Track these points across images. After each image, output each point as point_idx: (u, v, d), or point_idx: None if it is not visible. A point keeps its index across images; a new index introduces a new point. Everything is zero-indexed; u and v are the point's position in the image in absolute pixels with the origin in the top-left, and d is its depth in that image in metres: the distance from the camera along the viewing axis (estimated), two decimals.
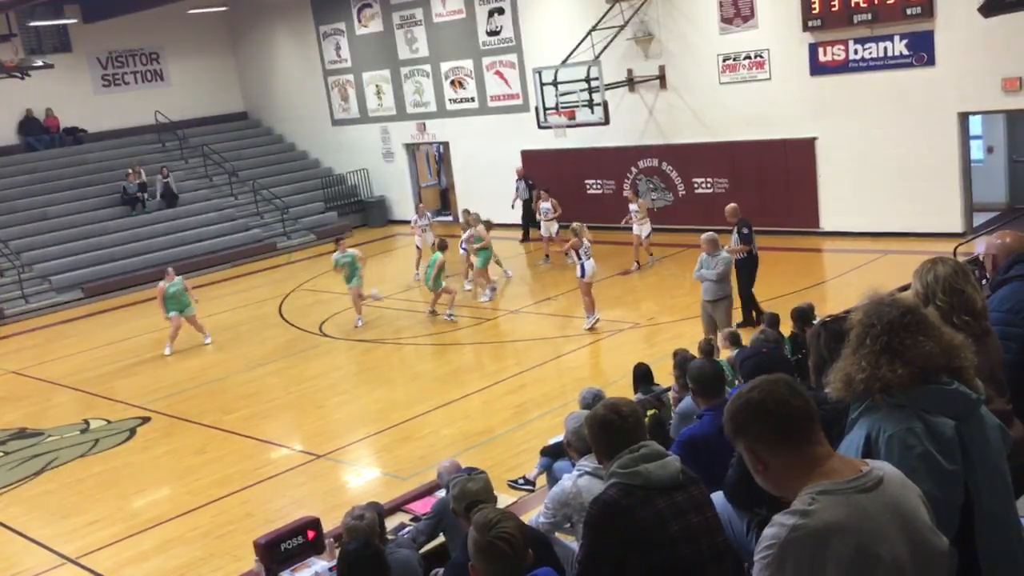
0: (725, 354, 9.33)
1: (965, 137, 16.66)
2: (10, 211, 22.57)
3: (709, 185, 19.42)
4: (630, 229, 17.43)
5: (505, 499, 6.66)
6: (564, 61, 18.75)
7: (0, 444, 12.68)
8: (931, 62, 16.17)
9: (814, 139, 17.83)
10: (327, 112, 26.73)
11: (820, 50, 17.32)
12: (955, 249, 12.73)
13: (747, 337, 9.77)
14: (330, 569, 5.53)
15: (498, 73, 22.42)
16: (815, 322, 6.20)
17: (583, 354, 13.38)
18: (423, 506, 6.69)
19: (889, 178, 16.96)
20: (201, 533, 9.34)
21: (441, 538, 6.14)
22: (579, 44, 18.89)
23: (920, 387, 2.74)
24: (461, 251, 17.60)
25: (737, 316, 12.69)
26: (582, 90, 18.09)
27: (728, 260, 12.05)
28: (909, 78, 16.45)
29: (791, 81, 17.78)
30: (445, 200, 25.95)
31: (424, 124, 24.41)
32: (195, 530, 9.42)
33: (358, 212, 25.92)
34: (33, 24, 23.99)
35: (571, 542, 4.66)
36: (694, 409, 5.89)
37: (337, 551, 5.12)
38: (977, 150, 18.14)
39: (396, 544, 5.54)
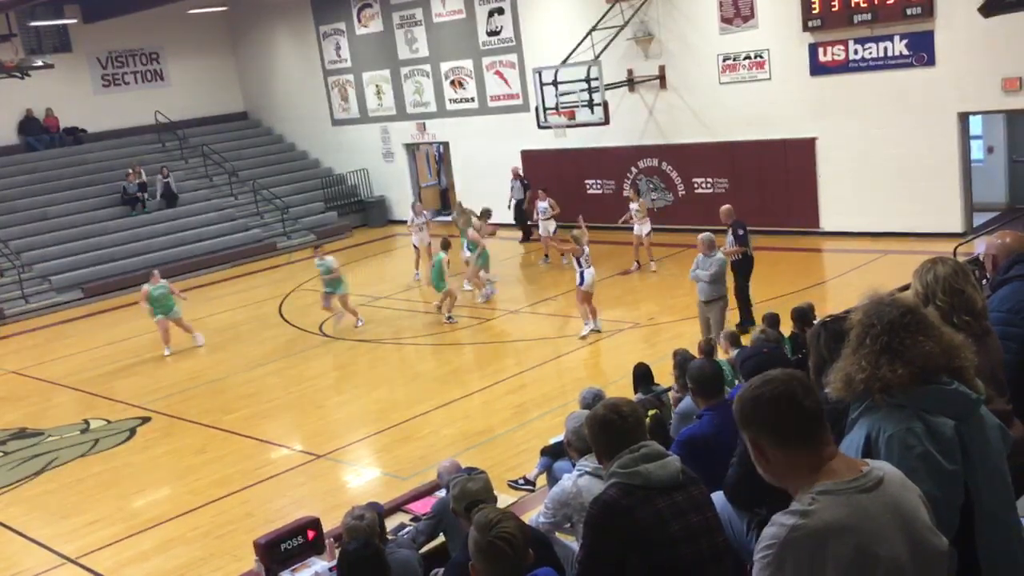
0: (725, 354, 9.31)
1: (965, 137, 16.66)
2: (10, 211, 22.57)
3: (709, 185, 19.42)
4: (630, 229, 17.41)
5: (505, 499, 6.65)
6: (564, 61, 18.75)
7: (0, 444, 12.68)
8: (931, 62, 16.18)
9: (814, 139, 17.83)
10: (327, 112, 26.74)
11: (820, 50, 17.33)
12: (955, 249, 12.72)
13: (745, 339, 9.77)
14: (330, 569, 5.53)
15: (498, 73, 22.42)
16: (815, 322, 6.19)
17: (583, 354, 13.38)
18: (423, 506, 6.69)
19: (889, 178, 16.96)
20: (201, 533, 9.34)
21: (441, 538, 6.14)
22: (579, 44, 18.89)
23: (920, 387, 2.74)
24: (466, 252, 17.40)
25: (735, 317, 12.69)
26: (582, 90, 18.08)
27: (722, 261, 12.03)
28: (909, 78, 16.45)
29: (791, 81, 17.78)
30: (445, 200, 25.95)
31: (424, 124, 24.42)
32: (195, 530, 9.42)
33: (358, 212, 25.92)
34: (33, 24, 23.99)
35: (571, 542, 4.66)
36: (694, 409, 5.89)
37: (337, 551, 5.12)
38: (977, 150, 18.14)
39: (396, 544, 5.54)
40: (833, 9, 16.84)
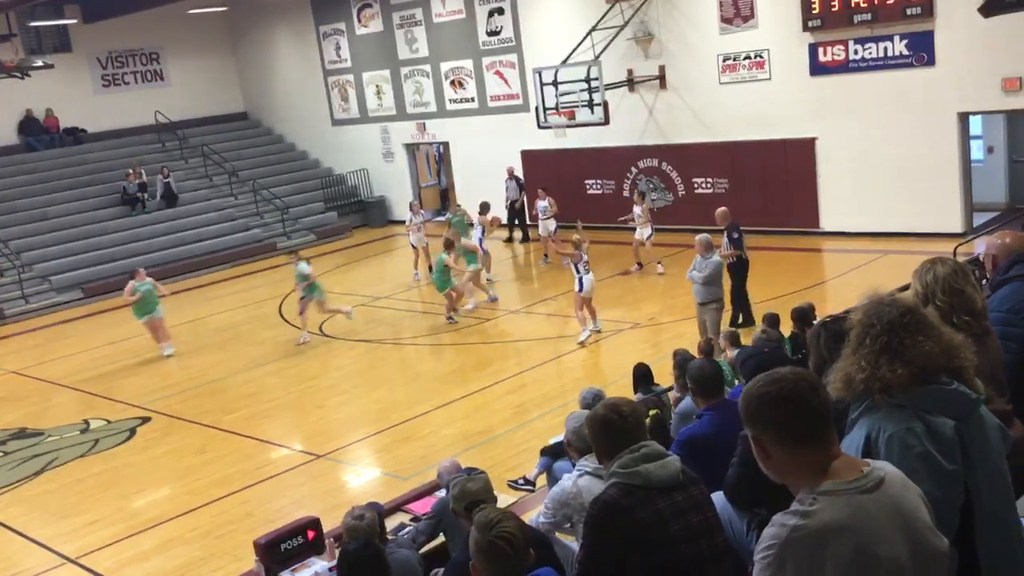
0: (725, 354, 9.31)
1: (965, 137, 16.66)
2: (10, 211, 22.58)
3: (709, 185, 19.42)
4: (631, 229, 17.34)
5: (505, 499, 6.65)
6: (564, 61, 18.75)
7: (0, 444, 12.68)
8: (931, 62, 16.18)
9: (814, 139, 17.83)
10: (327, 112, 26.74)
11: (820, 50, 17.33)
12: (955, 249, 12.73)
13: (746, 339, 9.77)
14: (330, 569, 5.53)
15: (498, 73, 22.42)
16: (815, 322, 6.20)
17: (583, 354, 13.38)
18: (423, 506, 6.69)
19: (889, 178, 16.97)
20: (201, 533, 9.34)
21: (441, 538, 6.14)
22: (579, 44, 18.89)
23: (920, 387, 2.74)
24: (480, 250, 17.47)
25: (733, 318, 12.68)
26: (582, 90, 18.08)
27: (717, 264, 11.98)
28: (909, 78, 16.45)
29: (791, 81, 17.78)
30: (445, 200, 25.94)
31: (424, 124, 24.42)
32: (195, 530, 9.42)
33: (358, 212, 25.92)
34: (33, 24, 24.00)
35: (571, 542, 4.66)
36: (694, 409, 5.89)
37: (337, 551, 5.12)
38: (977, 150, 18.15)
39: (396, 544, 5.54)
40: (833, 9, 16.84)
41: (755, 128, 18.29)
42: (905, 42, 16.38)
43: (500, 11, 21.94)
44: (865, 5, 16.46)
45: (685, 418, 6.93)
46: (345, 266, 21.65)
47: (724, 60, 18.57)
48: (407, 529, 6.32)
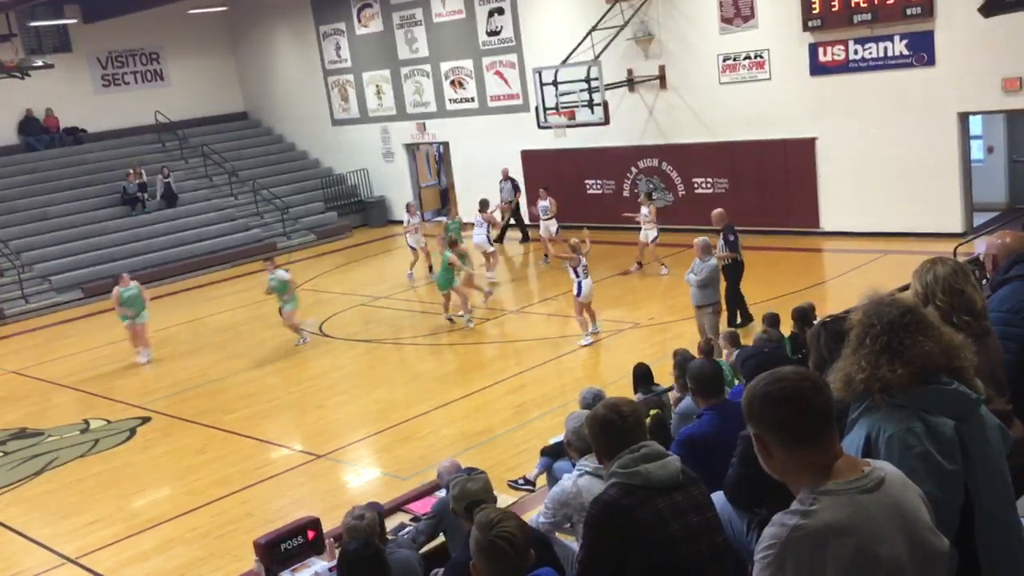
0: (724, 355, 9.31)
1: (965, 137, 16.66)
2: (10, 211, 22.57)
3: (709, 185, 19.42)
4: (636, 230, 17.28)
5: (505, 499, 6.65)
6: (564, 61, 18.75)
7: (0, 444, 12.68)
8: (931, 62, 16.18)
9: (814, 139, 17.84)
10: (327, 112, 26.74)
11: (820, 50, 17.33)
12: (955, 249, 12.73)
13: (746, 339, 9.77)
14: (330, 569, 5.53)
15: (498, 73, 22.42)
16: (815, 322, 6.20)
17: (583, 354, 13.38)
18: (423, 506, 6.69)
19: (889, 178, 16.97)
20: (201, 533, 9.34)
21: (441, 538, 6.14)
22: (579, 44, 18.89)
23: (920, 387, 2.75)
24: (489, 246, 17.37)
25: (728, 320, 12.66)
26: (582, 90, 18.08)
27: (714, 267, 11.93)
28: (909, 78, 16.45)
29: (791, 81, 17.78)
30: (445, 200, 25.95)
31: (424, 124, 24.42)
32: (195, 530, 9.42)
33: (358, 212, 25.92)
34: (33, 24, 23.99)
35: (571, 542, 4.66)
36: (694, 409, 5.89)
37: (337, 551, 5.12)
38: (977, 150, 18.14)
39: (396, 544, 5.54)
40: (833, 9, 16.84)
41: (755, 128, 18.29)
42: (905, 42, 16.38)
43: (500, 11, 21.94)
44: (865, 5, 16.45)
45: (685, 418, 6.92)
46: (345, 266, 21.66)
47: (724, 60, 18.57)
48: (407, 529, 6.32)
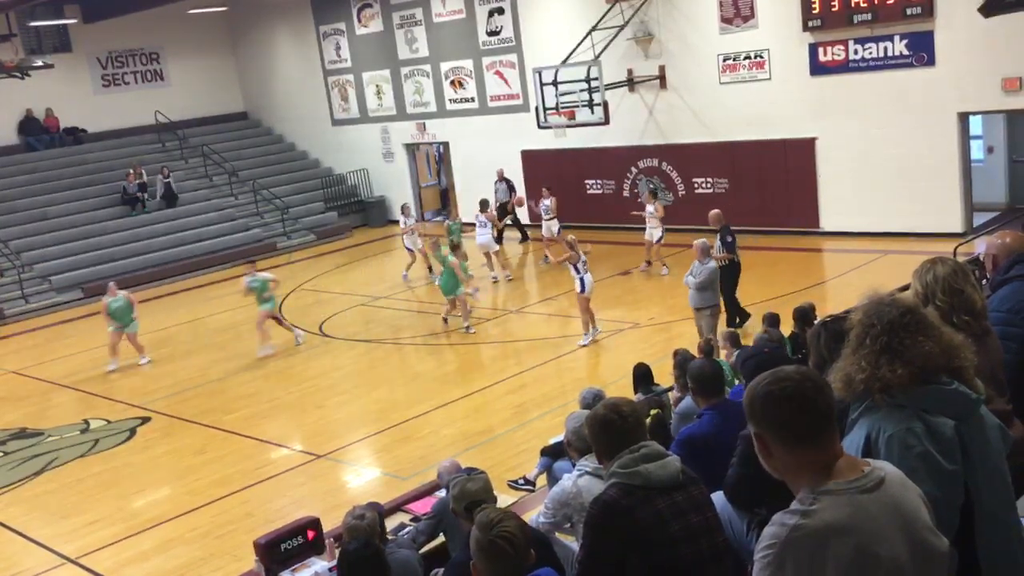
0: (724, 354, 9.31)
1: (965, 137, 16.66)
2: (10, 211, 22.58)
3: (709, 185, 19.42)
4: (641, 230, 17.25)
5: (505, 499, 6.65)
6: (564, 61, 18.75)
7: (0, 444, 12.68)
8: (931, 62, 16.18)
9: (814, 139, 17.84)
10: (327, 112, 26.74)
11: (820, 50, 17.33)
12: (955, 249, 12.72)
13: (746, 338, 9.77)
14: (330, 569, 5.53)
15: (498, 73, 22.42)
16: (815, 322, 6.20)
17: (583, 354, 13.37)
18: (423, 506, 6.69)
19: (889, 178, 16.97)
20: (201, 533, 9.34)
21: (441, 538, 6.14)
22: (579, 44, 18.89)
23: (920, 387, 2.75)
24: (495, 245, 17.42)
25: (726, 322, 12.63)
26: (582, 90, 18.08)
27: (713, 269, 11.87)
28: (909, 78, 16.45)
29: (791, 81, 17.78)
30: (445, 200, 25.95)
31: (424, 124, 24.42)
32: (195, 530, 9.42)
33: (358, 212, 25.93)
34: (33, 24, 24.00)
35: (571, 542, 4.66)
36: (695, 409, 5.89)
37: (337, 551, 5.12)
38: (977, 150, 18.15)
39: (396, 544, 5.54)
40: (833, 9, 16.84)
41: (755, 128, 18.29)
42: (905, 42, 16.38)
43: (500, 11, 21.94)
44: (865, 5, 16.46)
45: (686, 418, 6.92)
46: (345, 266, 21.66)
47: (724, 60, 18.57)
48: (407, 529, 6.32)
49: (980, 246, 10.97)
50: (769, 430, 2.37)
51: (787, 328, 9.54)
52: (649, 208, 16.89)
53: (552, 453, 7.96)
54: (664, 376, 9.46)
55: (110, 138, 25.68)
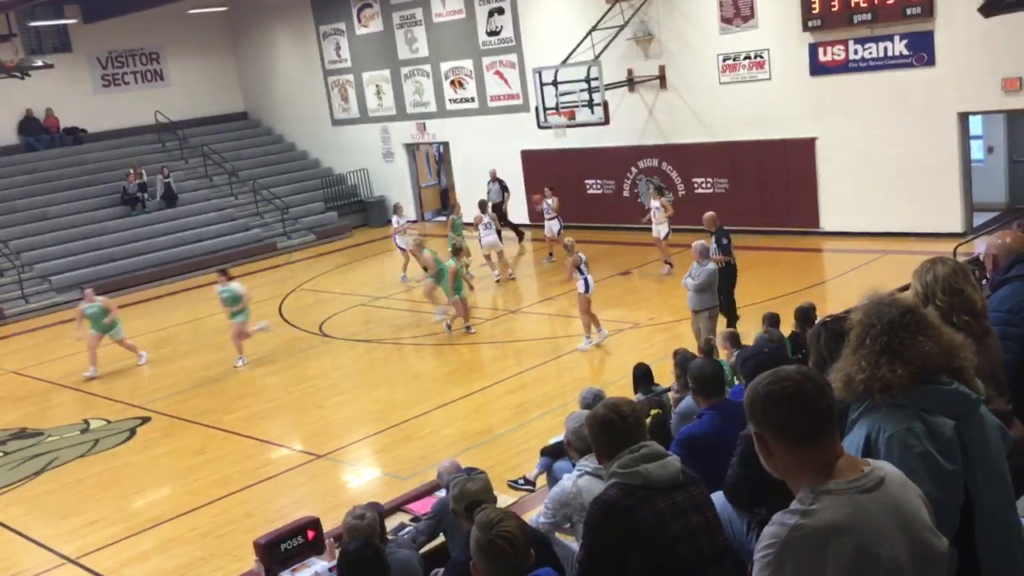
0: (724, 354, 9.31)
1: (965, 137, 16.66)
2: (10, 211, 22.58)
3: (709, 185, 19.42)
4: (647, 229, 17.20)
5: (505, 499, 6.65)
6: (564, 61, 18.75)
7: (0, 444, 12.68)
8: (931, 62, 16.18)
9: (814, 139, 17.84)
10: (327, 112, 26.74)
11: (820, 50, 17.33)
12: (955, 249, 12.73)
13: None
14: (330, 569, 5.53)
15: (498, 73, 22.42)
16: (816, 322, 6.20)
17: (583, 354, 13.37)
18: (423, 506, 6.69)
19: (889, 178, 16.97)
20: (201, 533, 9.34)
21: (441, 538, 6.14)
22: (579, 44, 18.89)
23: (920, 387, 2.75)
24: (499, 244, 17.47)
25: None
26: (582, 90, 18.08)
27: (711, 271, 11.81)
28: (909, 78, 16.45)
29: (791, 81, 17.79)
30: (445, 200, 25.95)
31: (424, 124, 24.42)
32: (195, 530, 9.42)
33: (358, 212, 25.93)
34: (33, 24, 24.00)
35: (571, 542, 4.66)
36: (695, 409, 5.89)
37: (337, 551, 5.12)
38: (977, 150, 18.15)
39: (396, 544, 5.54)
40: (833, 9, 16.84)
41: (755, 128, 18.29)
42: (905, 42, 16.38)
43: (500, 11, 21.94)
44: (865, 5, 16.46)
45: (686, 418, 6.92)
46: (345, 266, 21.67)
47: (724, 60, 18.57)
48: (407, 529, 6.31)
49: (980, 246, 10.97)
50: (770, 430, 2.37)
51: (787, 328, 9.54)
52: (655, 204, 16.82)
53: (552, 453, 7.96)
54: (664, 376, 9.46)
55: (110, 138, 25.68)
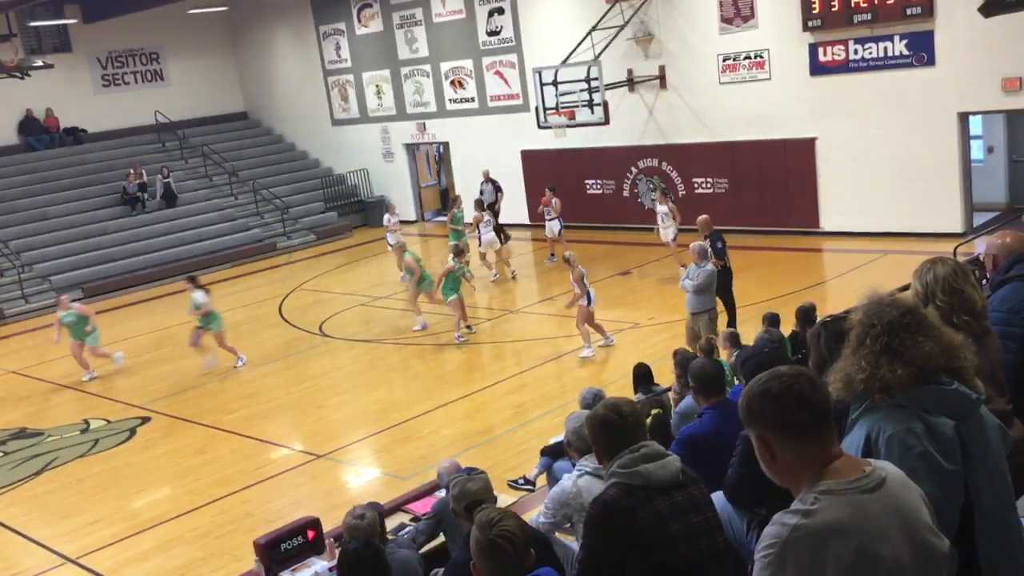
0: (724, 354, 9.31)
1: (965, 137, 16.66)
2: (10, 211, 22.58)
3: (709, 185, 19.42)
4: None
5: (505, 499, 6.65)
6: (564, 61, 18.75)
7: (0, 444, 12.68)
8: (931, 62, 16.18)
9: (814, 139, 17.84)
10: (327, 112, 26.74)
11: (820, 50, 17.33)
12: (955, 249, 12.72)
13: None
14: (330, 569, 5.53)
15: (498, 73, 22.42)
16: (816, 322, 6.20)
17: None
18: (423, 506, 6.69)
19: (889, 178, 16.97)
20: (201, 533, 9.34)
21: (441, 538, 6.14)
22: (579, 44, 18.89)
23: (920, 387, 2.75)
24: (497, 243, 17.53)
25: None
26: (582, 90, 18.08)
27: (710, 272, 11.76)
28: (909, 78, 16.45)
29: (791, 81, 17.78)
30: (445, 200, 25.93)
31: (424, 124, 24.42)
32: (195, 530, 9.42)
33: (358, 212, 25.93)
34: (33, 24, 24.00)
35: (571, 542, 4.66)
36: (695, 409, 5.89)
37: (337, 551, 5.12)
38: (977, 150, 18.15)
39: (396, 544, 5.54)
40: (833, 9, 16.84)
41: (755, 128, 18.29)
42: (905, 42, 16.38)
43: (500, 11, 21.94)
44: (865, 5, 16.45)
45: (686, 418, 6.92)
46: (345, 266, 21.67)
47: (724, 60, 18.57)
48: (407, 529, 6.32)
49: (980, 246, 10.98)
50: (770, 428, 2.36)
51: (787, 328, 9.54)
52: (663, 209, 16.74)
53: (552, 453, 7.96)
54: (664, 376, 9.46)
55: (110, 138, 25.68)
